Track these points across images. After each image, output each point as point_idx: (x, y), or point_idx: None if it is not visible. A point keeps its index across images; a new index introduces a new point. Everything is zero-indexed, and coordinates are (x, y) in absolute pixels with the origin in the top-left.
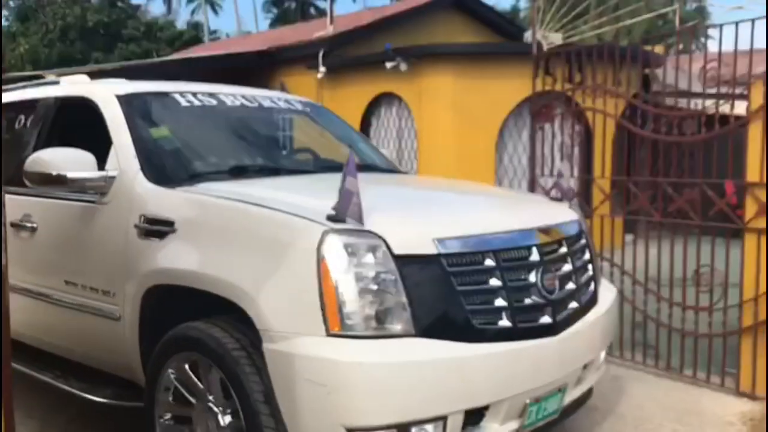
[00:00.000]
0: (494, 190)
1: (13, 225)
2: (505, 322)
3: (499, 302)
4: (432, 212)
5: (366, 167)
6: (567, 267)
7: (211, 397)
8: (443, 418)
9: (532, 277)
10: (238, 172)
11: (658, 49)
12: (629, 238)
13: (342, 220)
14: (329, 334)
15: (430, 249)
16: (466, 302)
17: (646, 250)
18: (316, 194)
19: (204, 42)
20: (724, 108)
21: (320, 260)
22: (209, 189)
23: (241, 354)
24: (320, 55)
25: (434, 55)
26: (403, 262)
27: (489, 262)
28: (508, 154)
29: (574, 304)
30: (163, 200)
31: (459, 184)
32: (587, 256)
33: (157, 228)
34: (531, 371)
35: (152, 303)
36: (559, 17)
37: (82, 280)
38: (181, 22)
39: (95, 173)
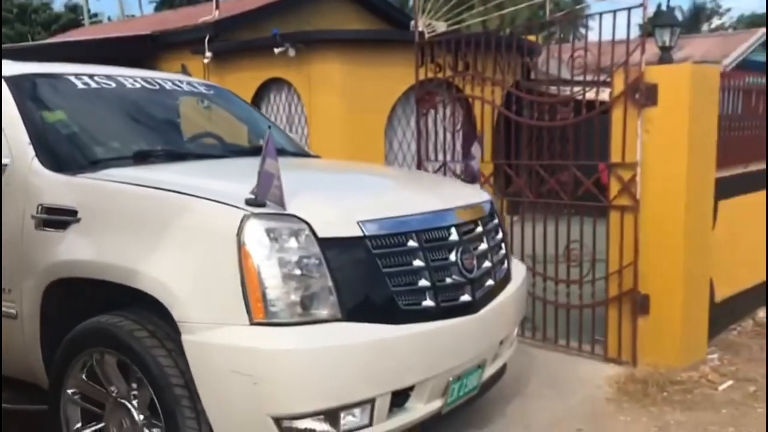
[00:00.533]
0: (409, 172)
1: None
2: (428, 302)
3: (423, 282)
4: (354, 195)
5: (276, 151)
6: (483, 246)
7: (123, 394)
8: (371, 401)
9: (453, 257)
10: (142, 158)
11: (534, 38)
12: (514, 218)
13: (262, 204)
14: (253, 323)
15: (355, 231)
16: (392, 284)
17: (522, 230)
18: (228, 179)
19: (84, 26)
20: (592, 94)
21: (241, 246)
22: (113, 175)
23: (155, 345)
24: (206, 40)
25: (323, 41)
26: (328, 245)
27: (412, 243)
28: (397, 140)
29: (490, 282)
30: (62, 189)
31: (374, 167)
32: (500, 234)
33: (57, 218)
34: (453, 349)
35: (54, 299)
36: (444, 5)
37: None
38: (58, 4)
39: None
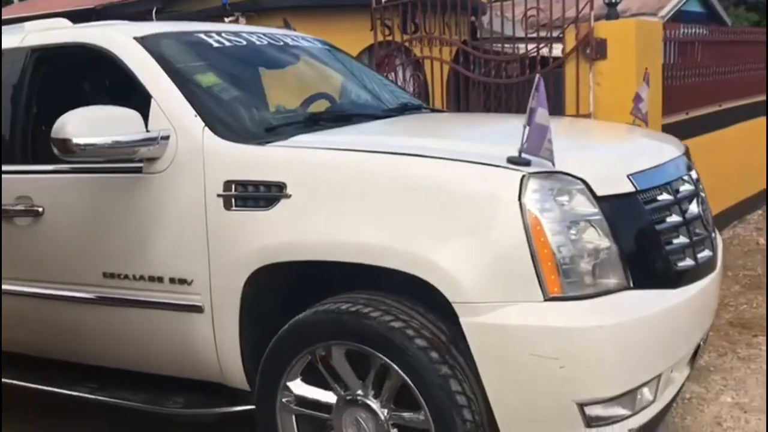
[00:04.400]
0: (592, 122)
1: (4, 212)
2: (689, 261)
3: (683, 239)
4: (600, 146)
5: (415, 108)
6: (702, 194)
7: (355, 390)
8: (659, 376)
9: (695, 208)
10: (314, 122)
11: None
12: None
13: (526, 163)
14: (547, 298)
15: (628, 187)
16: (664, 242)
17: None
18: (444, 137)
19: (12, 2)
20: (544, 51)
21: (525, 211)
22: (312, 142)
23: (414, 335)
24: (154, 12)
25: (273, 9)
26: (606, 204)
27: (668, 196)
28: None
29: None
30: (257, 161)
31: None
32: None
33: (258, 195)
34: (705, 311)
35: (258, 288)
36: None
37: (132, 270)
38: None
39: (142, 134)
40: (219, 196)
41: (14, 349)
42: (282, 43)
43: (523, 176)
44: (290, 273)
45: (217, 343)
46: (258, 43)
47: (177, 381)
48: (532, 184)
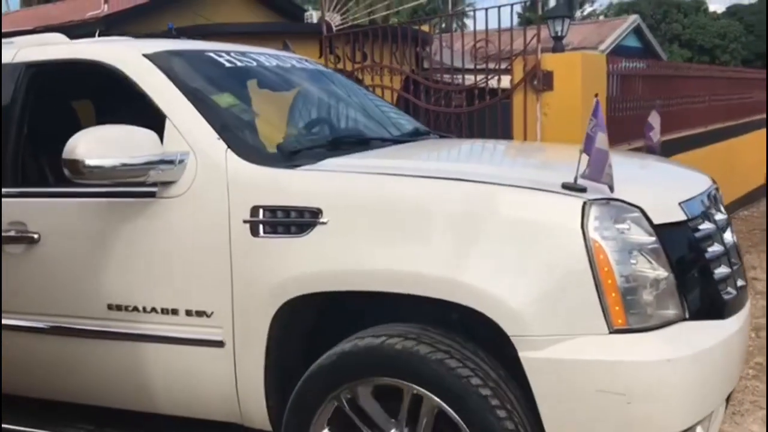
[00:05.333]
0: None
1: None
2: (732, 291)
3: (725, 269)
4: (645, 174)
5: (425, 133)
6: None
7: (401, 430)
8: (713, 411)
9: (729, 237)
10: (335, 145)
11: (426, 28)
12: None
13: (582, 189)
14: (612, 331)
15: (680, 215)
16: (713, 272)
17: None
18: (488, 162)
19: None
20: (493, 82)
21: (588, 240)
22: (343, 165)
23: (467, 373)
24: (96, 35)
25: (221, 35)
26: (662, 232)
27: (711, 225)
28: None
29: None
30: (288, 185)
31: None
32: None
33: (291, 220)
34: (744, 347)
35: (287, 321)
36: None
37: (142, 301)
38: None
39: (159, 156)
40: (245, 222)
41: (6, 390)
42: (289, 65)
43: (585, 203)
44: (321, 304)
45: (238, 380)
46: (267, 64)
47: (184, 421)
48: (595, 211)
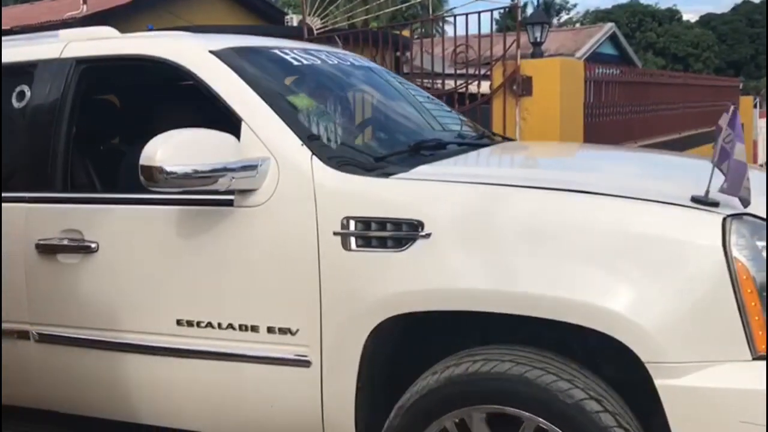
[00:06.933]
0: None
1: (44, 248)
2: None
3: None
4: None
5: (490, 136)
6: None
7: None
8: None
9: None
10: (416, 151)
11: (406, 33)
12: None
13: (716, 204)
14: (756, 357)
15: None
16: None
17: None
18: (594, 170)
19: None
20: (472, 87)
21: (731, 259)
22: (443, 174)
23: (586, 397)
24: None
25: None
26: None
27: None
28: None
29: None
30: (387, 195)
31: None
32: None
33: (389, 233)
34: None
35: (381, 339)
36: (316, 3)
37: (217, 317)
38: None
39: (241, 162)
40: (336, 234)
41: (50, 407)
42: (348, 63)
43: (725, 219)
44: (420, 324)
45: (324, 402)
46: (329, 61)
47: None
48: (736, 227)
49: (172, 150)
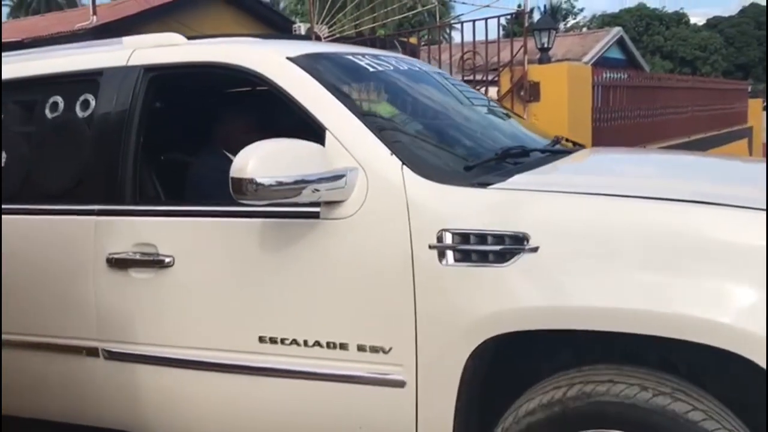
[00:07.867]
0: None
1: (115, 262)
2: None
3: None
4: None
5: (559, 141)
6: None
7: None
8: None
9: None
10: (502, 158)
11: (413, 40)
12: None
13: None
14: None
15: None
16: None
17: None
18: (716, 181)
19: None
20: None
21: None
22: (543, 184)
23: (705, 417)
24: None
25: None
26: None
27: None
28: None
29: None
30: (487, 206)
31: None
32: None
33: (490, 247)
34: None
35: (483, 358)
36: (323, 11)
37: (303, 334)
38: None
39: (330, 173)
40: (432, 247)
41: (116, 426)
42: (418, 69)
43: None
44: (513, 342)
45: (419, 424)
46: (401, 68)
47: None
48: None
49: (263, 161)
